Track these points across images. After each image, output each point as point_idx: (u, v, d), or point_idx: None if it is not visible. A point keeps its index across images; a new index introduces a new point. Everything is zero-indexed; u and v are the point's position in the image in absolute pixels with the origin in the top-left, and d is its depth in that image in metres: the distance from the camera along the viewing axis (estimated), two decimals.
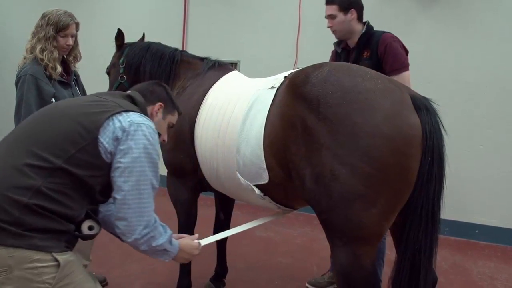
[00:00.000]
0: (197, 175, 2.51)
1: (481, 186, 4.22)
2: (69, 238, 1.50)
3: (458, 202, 4.07)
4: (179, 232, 2.72)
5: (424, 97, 1.77)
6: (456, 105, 4.14)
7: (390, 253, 2.64)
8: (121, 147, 1.48)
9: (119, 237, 1.65)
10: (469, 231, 4.28)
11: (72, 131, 1.48)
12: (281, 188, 2.03)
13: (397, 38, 2.63)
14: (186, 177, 2.58)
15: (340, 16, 2.63)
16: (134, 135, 1.49)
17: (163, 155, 2.65)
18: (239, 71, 2.81)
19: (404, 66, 2.58)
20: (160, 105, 1.79)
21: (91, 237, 1.58)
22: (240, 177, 2.12)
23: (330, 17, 2.67)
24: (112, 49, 3.16)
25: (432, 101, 1.77)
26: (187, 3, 5.44)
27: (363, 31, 2.68)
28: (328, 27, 2.70)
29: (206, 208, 3.29)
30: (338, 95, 1.70)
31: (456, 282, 3.37)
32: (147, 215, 1.54)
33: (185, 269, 2.78)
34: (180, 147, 2.51)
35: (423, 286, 1.75)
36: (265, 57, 4.98)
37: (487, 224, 4.23)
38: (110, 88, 3.04)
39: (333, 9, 2.64)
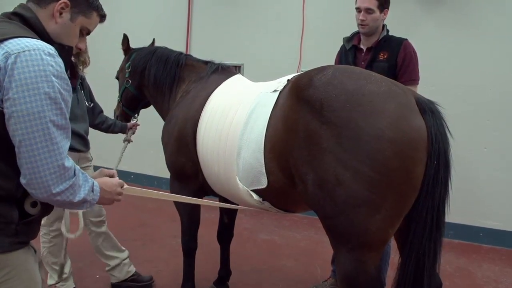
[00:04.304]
0: (199, 178, 2.50)
1: (485, 189, 4.20)
2: (16, 230, 1.25)
3: (462, 205, 4.05)
4: (183, 236, 2.73)
5: (429, 100, 1.75)
6: (460, 107, 4.12)
7: (393, 256, 2.62)
8: (1, 90, 1.18)
9: None
10: (473, 234, 4.25)
11: None
12: (282, 193, 2.00)
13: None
14: (188, 181, 2.57)
15: (377, 12, 2.63)
16: (13, 69, 1.16)
17: (165, 157, 2.65)
18: (242, 74, 2.82)
19: (418, 79, 2.67)
20: (65, 2, 1.35)
21: (39, 216, 1.31)
22: (238, 182, 2.10)
23: (367, 11, 2.61)
24: (116, 53, 3.18)
25: (437, 104, 1.75)
26: (191, 6, 5.45)
27: (385, 33, 2.72)
28: (360, 19, 2.64)
29: (210, 211, 3.29)
30: (342, 98, 1.68)
31: (460, 286, 3.35)
32: (53, 166, 1.20)
33: (189, 272, 2.77)
34: (182, 151, 2.50)
35: None
36: (269, 60, 4.97)
37: (491, 227, 4.21)
38: (119, 92, 3.08)
39: (373, 4, 2.60)
